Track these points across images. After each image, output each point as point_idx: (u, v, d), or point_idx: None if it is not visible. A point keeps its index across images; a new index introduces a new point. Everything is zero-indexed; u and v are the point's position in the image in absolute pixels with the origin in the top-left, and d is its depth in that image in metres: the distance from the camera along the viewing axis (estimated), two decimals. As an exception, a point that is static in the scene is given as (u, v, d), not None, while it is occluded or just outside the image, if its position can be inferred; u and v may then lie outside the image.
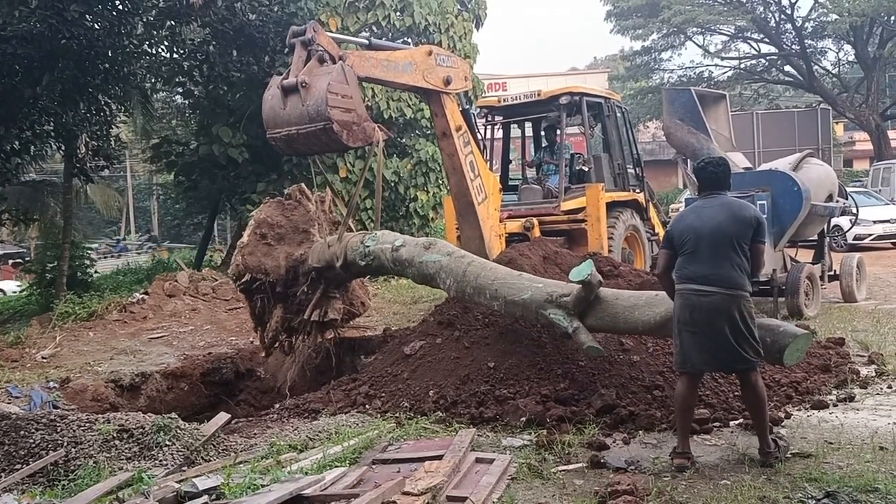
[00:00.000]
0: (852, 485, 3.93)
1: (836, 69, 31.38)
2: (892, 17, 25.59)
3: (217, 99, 16.91)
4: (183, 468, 4.55)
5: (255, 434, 5.66)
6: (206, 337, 10.23)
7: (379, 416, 5.70)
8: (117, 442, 4.71)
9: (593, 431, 5.02)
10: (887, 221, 16.14)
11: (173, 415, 5.03)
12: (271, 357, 9.01)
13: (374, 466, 4.56)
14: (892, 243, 16.41)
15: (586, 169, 10.30)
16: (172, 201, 28.85)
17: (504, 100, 10.48)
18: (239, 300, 12.68)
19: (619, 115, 10.85)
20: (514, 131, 11.85)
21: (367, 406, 5.96)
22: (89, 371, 8.28)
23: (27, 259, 25.80)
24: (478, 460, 4.58)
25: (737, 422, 5.14)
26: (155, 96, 19.72)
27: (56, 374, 8.15)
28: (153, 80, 16.99)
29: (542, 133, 11.22)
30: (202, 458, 4.79)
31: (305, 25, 6.93)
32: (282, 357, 9.05)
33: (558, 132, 10.61)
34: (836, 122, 32.23)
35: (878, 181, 20.72)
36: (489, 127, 10.86)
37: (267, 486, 3.87)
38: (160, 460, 4.60)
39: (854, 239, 15.42)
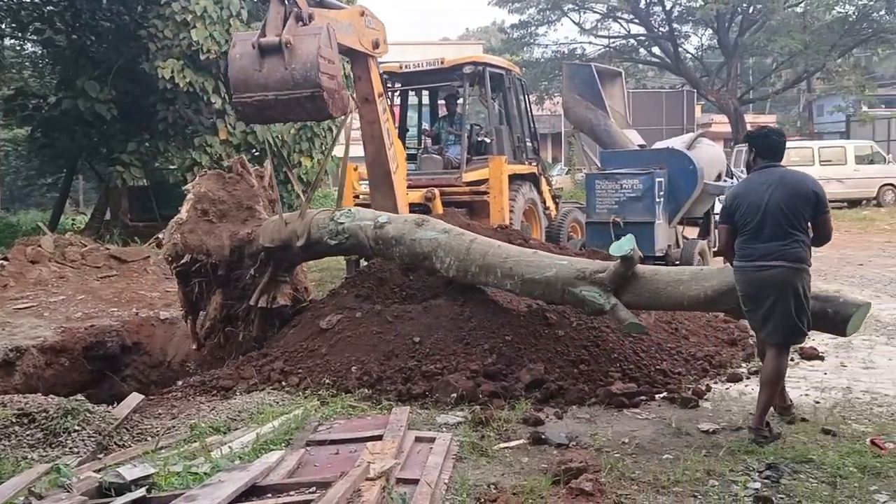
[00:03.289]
0: (788, 456, 4.11)
1: (700, 53, 33.01)
2: (752, 7, 27.10)
3: (82, 49, 15.62)
4: (98, 456, 4.15)
5: (161, 414, 5.26)
6: (82, 308, 9.47)
7: (299, 393, 5.44)
8: (17, 428, 4.24)
9: (526, 407, 5.00)
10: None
11: (80, 396, 4.58)
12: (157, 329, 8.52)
13: (309, 448, 4.32)
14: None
15: (487, 140, 10.26)
16: (21, 159, 26.56)
17: (405, 66, 10.22)
18: (113, 268, 11.92)
19: (518, 87, 10.86)
20: (412, 99, 11.61)
21: (283, 383, 5.68)
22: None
23: None
24: (418, 439, 4.45)
25: (661, 395, 5.27)
26: (4, 42, 17.97)
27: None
28: (5, 26, 15.47)
29: (443, 102, 11.06)
30: (116, 443, 4.39)
31: None
32: (170, 329, 8.55)
33: (459, 102, 10.50)
34: (697, 104, 33.96)
35: (739, 162, 22.03)
36: (389, 94, 10.58)
37: (207, 473, 3.57)
38: (70, 448, 4.17)
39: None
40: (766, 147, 4.58)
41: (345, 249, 6.84)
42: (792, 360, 6.10)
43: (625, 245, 5.03)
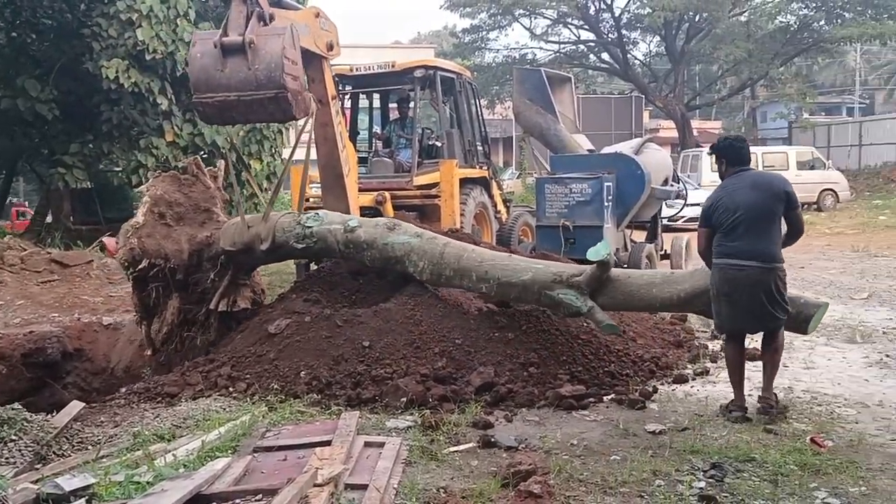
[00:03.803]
0: (732, 455, 4.19)
1: (648, 60, 33.58)
2: (698, 16, 27.68)
3: (22, 47, 15.16)
4: (36, 466, 4.02)
5: (103, 422, 5.12)
6: (22, 313, 9.18)
7: (247, 399, 5.35)
8: (-51, 438, 4.07)
9: (476, 410, 5.01)
10: (697, 205, 17.47)
11: (17, 405, 4.43)
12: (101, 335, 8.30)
13: (256, 455, 4.26)
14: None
15: (438, 144, 10.26)
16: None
17: (356, 69, 10.17)
18: (54, 272, 11.58)
19: (469, 91, 10.90)
20: (363, 102, 11.56)
21: (230, 389, 5.58)
22: None
23: None
24: (367, 444, 4.41)
25: (609, 396, 5.32)
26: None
27: None
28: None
29: (394, 105, 11.03)
30: (55, 453, 4.26)
31: None
32: (114, 335, 8.34)
33: (410, 105, 10.48)
34: (645, 110, 34.54)
35: (687, 167, 22.47)
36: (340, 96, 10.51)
37: (150, 482, 3.48)
38: (6, 458, 4.03)
39: (669, 220, 16.61)
40: (734, 155, 4.98)
41: (312, 253, 6.83)
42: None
43: (601, 250, 5.34)
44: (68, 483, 3.51)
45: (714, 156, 5.13)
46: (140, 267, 6.53)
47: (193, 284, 6.66)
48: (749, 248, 4.70)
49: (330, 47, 7.18)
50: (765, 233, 4.73)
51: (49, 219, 16.81)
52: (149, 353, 6.92)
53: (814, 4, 27.02)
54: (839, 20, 26.98)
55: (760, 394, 4.97)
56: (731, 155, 4.99)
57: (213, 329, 6.64)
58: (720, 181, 5.11)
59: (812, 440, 4.38)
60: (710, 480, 3.89)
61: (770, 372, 4.99)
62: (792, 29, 28.33)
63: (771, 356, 5.00)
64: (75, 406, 4.64)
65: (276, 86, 5.75)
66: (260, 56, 5.75)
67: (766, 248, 4.73)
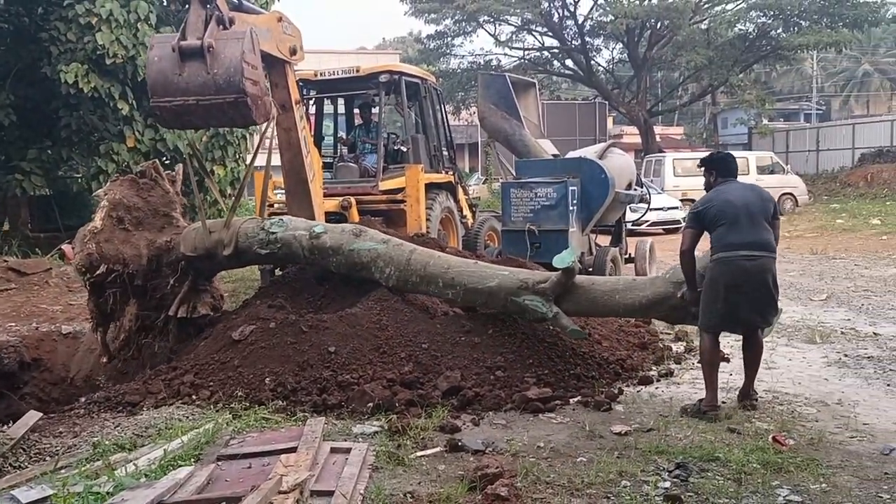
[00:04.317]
0: (696, 455, 4.23)
1: (611, 67, 33.94)
2: (660, 23, 28.05)
3: (-25, 52, 14.83)
4: (-9, 479, 3.91)
5: (62, 433, 5.01)
6: (-25, 323, 8.96)
7: (211, 407, 5.27)
8: None
9: (443, 414, 4.99)
10: (660, 209, 17.76)
11: (-29, 417, 4.30)
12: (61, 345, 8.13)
13: (220, 463, 4.19)
14: (663, 229, 18.08)
15: (404, 149, 10.25)
16: None
17: (321, 74, 10.11)
18: (11, 281, 11.34)
19: (434, 96, 10.90)
20: (328, 107, 11.51)
21: (193, 397, 5.48)
22: None
23: None
24: (333, 450, 4.37)
25: (576, 399, 5.35)
26: None
27: None
28: None
29: (358, 111, 10.99)
30: (11, 464, 4.15)
31: None
32: (73, 344, 8.17)
33: (375, 110, 10.45)
34: (609, 115, 34.88)
35: (650, 172, 22.74)
36: (304, 101, 10.44)
37: (110, 492, 3.41)
38: (-40, 471, 3.91)
39: (632, 224, 16.79)
40: (725, 168, 5.28)
41: (276, 259, 6.80)
42: (699, 362, 6.34)
43: (566, 257, 5.49)
44: (25, 495, 3.44)
45: (704, 168, 5.36)
46: (98, 273, 6.39)
47: (152, 290, 6.55)
48: (756, 239, 4.90)
49: (293, 52, 7.13)
50: (764, 227, 4.97)
51: (6, 226, 16.43)
52: (104, 360, 6.78)
53: (772, 13, 27.53)
54: (796, 28, 27.54)
55: (742, 391, 5.22)
56: (722, 167, 5.27)
57: (172, 336, 6.54)
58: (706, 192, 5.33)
59: (774, 439, 4.44)
60: (675, 480, 3.92)
61: (753, 370, 5.22)
62: (751, 37, 28.86)
63: (754, 355, 5.20)
64: (32, 416, 4.53)
65: (235, 90, 5.68)
66: (219, 60, 5.68)
67: (769, 239, 4.97)
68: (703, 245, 5.13)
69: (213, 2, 5.86)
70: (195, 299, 6.57)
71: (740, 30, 28.92)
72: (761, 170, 22.68)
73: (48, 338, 8.03)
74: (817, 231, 17.83)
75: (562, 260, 5.48)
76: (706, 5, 28.67)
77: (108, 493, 3.46)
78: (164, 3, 14.41)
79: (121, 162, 13.90)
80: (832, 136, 31.52)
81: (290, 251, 6.40)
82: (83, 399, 5.92)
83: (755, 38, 28.81)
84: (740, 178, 5.45)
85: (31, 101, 14.51)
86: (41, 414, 4.76)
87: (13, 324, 8.94)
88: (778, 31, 28.52)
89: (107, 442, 4.48)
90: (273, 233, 6.37)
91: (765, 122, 32.98)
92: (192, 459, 4.20)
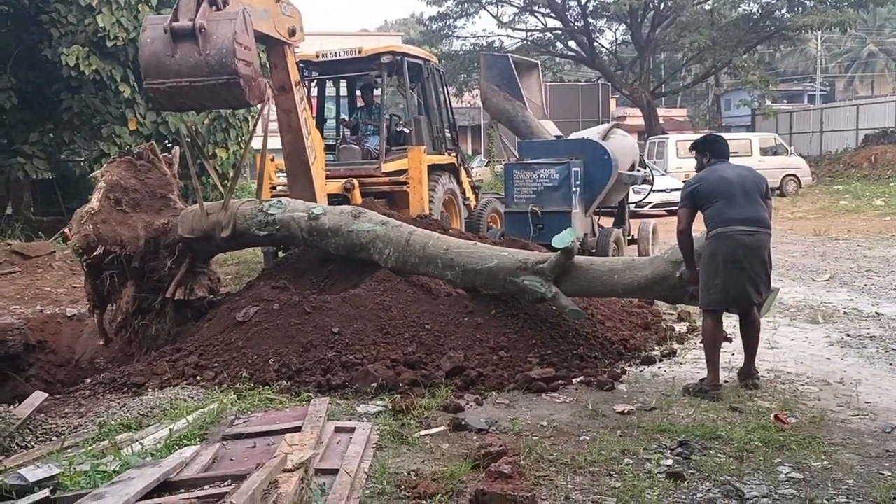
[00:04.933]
0: (698, 433, 4.25)
1: (614, 48, 33.76)
2: (663, 4, 27.87)
3: (-25, 35, 14.80)
4: (-1, 458, 3.94)
5: (68, 413, 5.04)
6: (-22, 305, 8.99)
7: (215, 387, 5.30)
8: None
9: (446, 394, 5.01)
10: (663, 191, 17.72)
11: (-23, 397, 4.33)
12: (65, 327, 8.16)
13: (225, 443, 4.22)
14: (666, 211, 18.05)
15: (406, 131, 10.22)
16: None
17: (322, 55, 10.07)
18: (15, 264, 11.37)
19: (437, 77, 10.86)
20: (330, 89, 11.47)
21: (198, 377, 5.51)
22: None
23: None
24: (337, 430, 4.40)
25: (579, 379, 5.37)
26: None
27: None
28: None
29: (360, 92, 10.96)
30: (18, 444, 4.18)
31: None
32: (78, 326, 8.20)
33: (377, 92, 10.42)
34: (612, 97, 34.74)
35: (653, 154, 22.68)
36: (306, 83, 10.41)
37: (116, 471, 3.44)
38: (-33, 450, 3.94)
39: (635, 206, 16.76)
40: (718, 150, 5.33)
41: (275, 241, 6.81)
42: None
43: (566, 237, 5.50)
44: (32, 474, 3.45)
45: (696, 150, 5.40)
46: (95, 254, 6.40)
47: (149, 272, 6.55)
48: (753, 215, 4.94)
49: (292, 33, 7.09)
50: (759, 203, 5.02)
51: (9, 210, 16.46)
52: (101, 342, 6.80)
53: (776, -8, 27.38)
54: (800, 8, 27.35)
55: (743, 371, 5.24)
56: (714, 149, 5.32)
57: (169, 318, 6.55)
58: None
59: (776, 417, 4.46)
60: (678, 458, 3.94)
61: (752, 350, 5.23)
62: (754, 17, 28.66)
63: (752, 334, 5.22)
64: (38, 397, 4.56)
65: (227, 72, 5.67)
66: (211, 41, 5.67)
67: (765, 215, 5.01)
68: (700, 226, 5.13)
69: None
70: (192, 281, 6.56)
71: (744, 10, 28.74)
72: (765, 151, 22.61)
73: (52, 320, 8.07)
74: (820, 212, 17.79)
75: (561, 240, 5.49)
76: (710, -15, 28.48)
77: (114, 471, 3.49)
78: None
79: (123, 145, 13.90)
80: (836, 117, 31.35)
81: (289, 233, 6.40)
82: (88, 380, 5.95)
83: (759, 19, 28.62)
84: (745, 160, 5.49)
85: (32, 85, 14.51)
86: (47, 395, 4.79)
87: (18, 306, 8.98)
88: (782, 12, 28.33)
89: (112, 422, 4.51)
90: (271, 214, 6.38)
91: (768, 103, 32.81)
92: (198, 439, 4.23)
